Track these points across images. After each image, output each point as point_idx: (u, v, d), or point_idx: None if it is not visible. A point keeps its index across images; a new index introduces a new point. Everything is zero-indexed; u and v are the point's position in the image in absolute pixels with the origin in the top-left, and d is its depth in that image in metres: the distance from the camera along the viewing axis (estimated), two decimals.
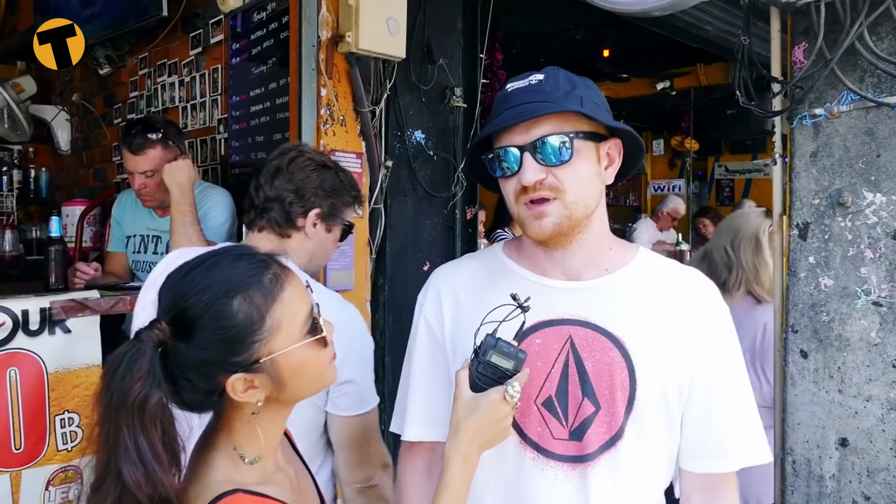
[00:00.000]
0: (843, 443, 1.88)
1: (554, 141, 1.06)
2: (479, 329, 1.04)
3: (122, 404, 0.84)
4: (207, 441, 0.97)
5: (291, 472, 1.05)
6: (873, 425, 1.83)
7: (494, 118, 1.12)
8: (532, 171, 1.06)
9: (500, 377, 1.01)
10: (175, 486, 0.85)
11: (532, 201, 1.08)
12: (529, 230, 1.11)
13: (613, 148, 1.14)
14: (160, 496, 0.83)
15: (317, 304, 1.00)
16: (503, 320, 1.03)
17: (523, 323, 1.03)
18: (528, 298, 1.04)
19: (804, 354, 1.93)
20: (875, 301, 1.79)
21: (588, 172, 1.09)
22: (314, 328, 0.97)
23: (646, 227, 6.25)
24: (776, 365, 2.05)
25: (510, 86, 1.12)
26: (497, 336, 1.01)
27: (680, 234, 6.07)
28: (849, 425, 1.87)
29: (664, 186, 8.42)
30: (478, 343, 1.03)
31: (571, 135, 1.06)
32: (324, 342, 0.99)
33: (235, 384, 0.91)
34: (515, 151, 1.08)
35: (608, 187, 1.19)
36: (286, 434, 1.14)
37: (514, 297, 1.03)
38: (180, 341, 0.90)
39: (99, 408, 0.86)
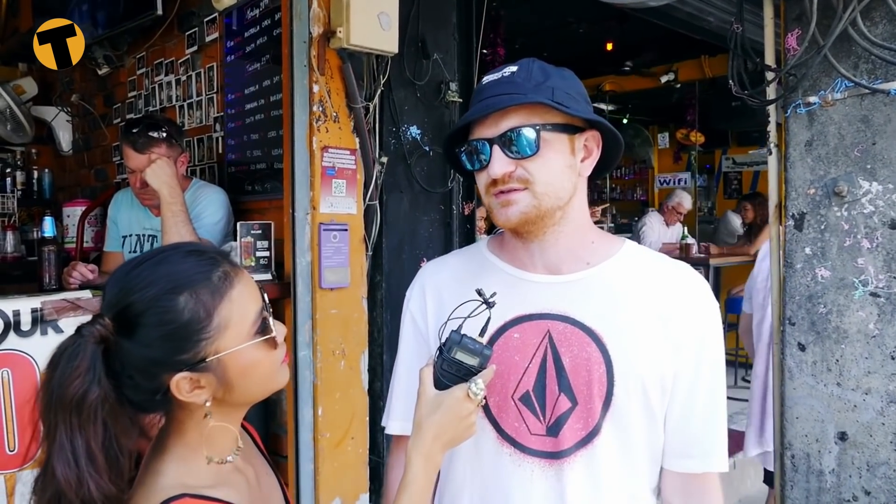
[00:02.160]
0: (843, 437, 1.85)
1: (522, 133, 1.04)
2: (444, 325, 1.02)
3: (60, 400, 0.82)
4: (158, 444, 0.95)
5: (251, 473, 1.02)
6: (873, 418, 1.80)
7: (469, 110, 1.11)
8: (500, 164, 1.05)
9: (465, 374, 0.99)
10: (105, 491, 0.82)
11: (501, 192, 1.07)
12: (497, 218, 1.10)
13: (591, 140, 1.12)
14: (90, 498, 0.81)
15: (268, 303, 0.98)
16: (468, 316, 1.01)
17: (489, 319, 1.01)
18: (494, 294, 1.02)
19: (802, 347, 1.90)
20: (873, 292, 1.76)
21: (559, 164, 1.07)
22: (264, 328, 0.95)
23: (655, 221, 6.20)
24: (774, 358, 2.02)
25: (485, 78, 1.12)
26: (462, 332, 0.99)
27: (685, 228, 6.02)
28: (848, 419, 1.84)
29: (670, 180, 8.34)
30: (442, 340, 1.01)
31: (538, 127, 1.05)
32: (273, 343, 0.96)
33: (180, 383, 0.89)
34: (484, 144, 1.07)
35: (598, 179, 1.17)
36: (250, 433, 1.12)
37: (479, 293, 1.02)
38: (123, 338, 0.87)
39: (40, 403, 0.84)
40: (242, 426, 1.05)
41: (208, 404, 0.92)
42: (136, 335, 0.87)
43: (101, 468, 0.82)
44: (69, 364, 0.83)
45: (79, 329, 0.87)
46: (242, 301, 0.93)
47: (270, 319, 0.96)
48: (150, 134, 2.45)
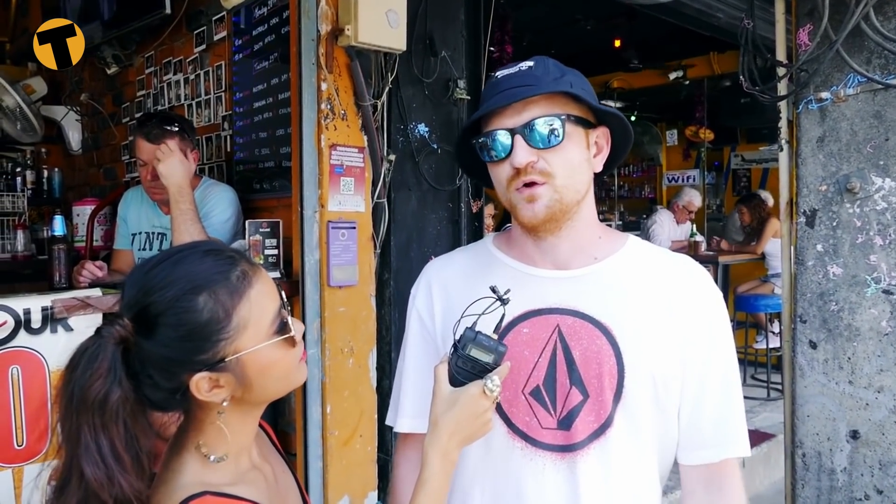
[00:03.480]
0: (855, 435, 1.83)
1: (545, 123, 1.04)
2: (458, 322, 1.02)
3: (82, 402, 0.82)
4: (177, 443, 0.95)
5: (268, 470, 1.02)
6: (885, 417, 1.78)
7: (483, 104, 1.11)
8: (523, 153, 1.04)
9: (480, 371, 0.98)
10: (136, 488, 0.82)
11: (524, 185, 1.07)
12: (522, 215, 1.09)
13: (602, 136, 1.13)
14: (124, 497, 0.81)
15: (285, 301, 0.98)
16: (483, 313, 1.01)
17: (503, 316, 1.01)
18: (508, 291, 1.02)
19: (813, 345, 1.89)
20: (885, 289, 1.75)
21: (578, 157, 1.08)
22: (282, 327, 0.95)
23: (665, 219, 6.17)
24: (785, 356, 2.01)
25: (500, 73, 1.11)
26: (476, 329, 0.99)
27: (694, 226, 6.00)
28: (860, 417, 1.82)
29: (678, 177, 8.31)
30: (457, 337, 1.00)
31: (563, 117, 1.05)
32: (292, 342, 0.96)
33: (200, 383, 0.89)
34: (506, 134, 1.06)
35: (606, 177, 1.17)
36: (266, 430, 1.12)
37: (493, 290, 1.01)
38: (143, 338, 0.87)
39: (60, 405, 0.84)
40: (259, 424, 1.05)
41: (226, 403, 0.92)
42: (156, 335, 0.87)
43: (128, 467, 0.82)
44: (90, 365, 0.83)
45: (98, 330, 0.87)
46: (261, 300, 0.93)
47: (289, 318, 0.96)
48: (164, 126, 2.46)
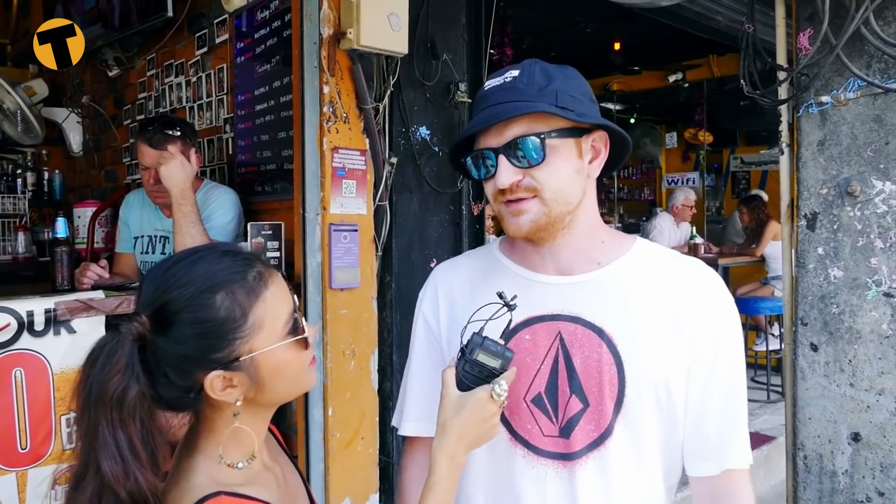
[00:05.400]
0: (856, 437, 1.84)
1: (527, 142, 1.03)
2: (465, 327, 1.03)
3: (100, 397, 0.83)
4: (189, 443, 0.96)
5: (278, 471, 1.03)
6: (886, 419, 1.79)
7: (473, 117, 1.10)
8: (507, 174, 1.04)
9: (487, 376, 0.99)
10: (152, 484, 0.83)
11: (510, 200, 1.07)
12: (508, 227, 1.10)
13: (599, 140, 1.11)
14: (139, 492, 0.82)
15: (297, 304, 0.99)
16: (490, 319, 1.01)
17: (510, 321, 1.02)
18: (515, 297, 1.02)
19: (814, 347, 1.89)
20: (886, 292, 1.75)
21: (567, 170, 1.06)
22: (295, 328, 0.96)
23: (665, 223, 6.16)
24: (786, 358, 2.01)
25: (488, 84, 1.10)
26: (483, 335, 1.00)
27: (694, 228, 5.99)
28: (861, 419, 1.83)
29: (678, 180, 8.33)
30: (464, 342, 1.01)
31: (544, 134, 1.03)
32: (305, 343, 0.98)
33: (214, 382, 0.90)
34: (491, 154, 1.06)
35: (605, 179, 1.17)
36: (273, 432, 1.13)
37: (500, 296, 1.02)
38: (160, 335, 0.88)
39: (78, 400, 0.85)
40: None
41: (239, 403, 0.93)
42: (172, 333, 0.89)
43: (145, 462, 0.83)
44: (108, 360, 0.84)
45: (117, 326, 0.88)
46: (276, 302, 0.95)
47: (302, 320, 0.97)
48: (166, 131, 2.47)
